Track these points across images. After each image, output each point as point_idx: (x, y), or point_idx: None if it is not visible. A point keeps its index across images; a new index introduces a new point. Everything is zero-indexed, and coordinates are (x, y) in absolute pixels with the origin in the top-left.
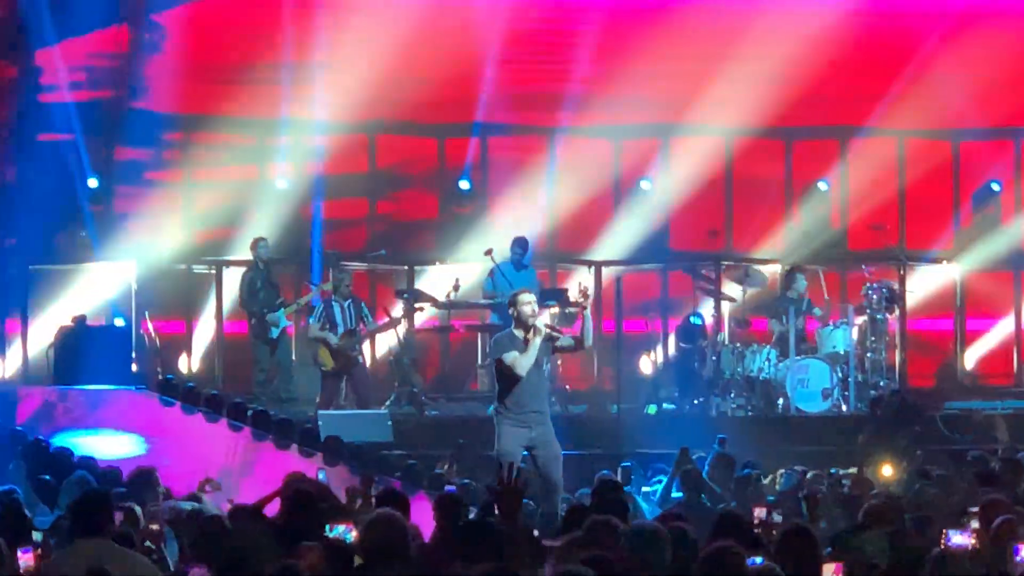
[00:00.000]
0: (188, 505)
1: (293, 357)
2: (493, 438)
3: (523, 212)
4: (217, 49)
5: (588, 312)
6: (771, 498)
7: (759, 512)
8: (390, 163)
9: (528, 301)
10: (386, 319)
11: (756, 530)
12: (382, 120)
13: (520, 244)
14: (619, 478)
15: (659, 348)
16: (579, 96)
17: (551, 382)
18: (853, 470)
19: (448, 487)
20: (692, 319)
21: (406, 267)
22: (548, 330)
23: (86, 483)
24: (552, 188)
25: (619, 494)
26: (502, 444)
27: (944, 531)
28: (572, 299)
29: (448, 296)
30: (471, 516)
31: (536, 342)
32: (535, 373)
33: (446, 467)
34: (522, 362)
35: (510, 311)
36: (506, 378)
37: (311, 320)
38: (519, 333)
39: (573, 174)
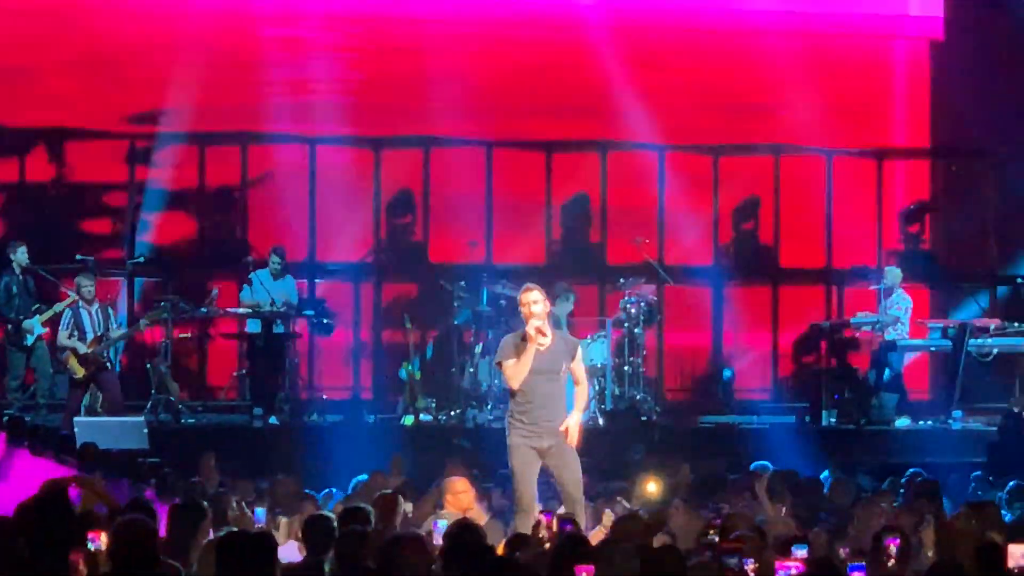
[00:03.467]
0: None
1: (50, 364)
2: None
3: (284, 222)
4: None
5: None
6: None
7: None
8: (152, 172)
9: (528, 301)
10: (135, 327)
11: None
12: (144, 129)
13: (277, 253)
14: None
15: (417, 359)
16: (340, 105)
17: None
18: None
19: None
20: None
21: (163, 276)
22: (540, 337)
23: None
24: (313, 198)
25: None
26: (513, 460)
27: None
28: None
29: (206, 304)
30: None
31: (529, 351)
32: (546, 380)
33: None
34: (514, 371)
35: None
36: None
37: (60, 328)
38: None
39: (335, 184)
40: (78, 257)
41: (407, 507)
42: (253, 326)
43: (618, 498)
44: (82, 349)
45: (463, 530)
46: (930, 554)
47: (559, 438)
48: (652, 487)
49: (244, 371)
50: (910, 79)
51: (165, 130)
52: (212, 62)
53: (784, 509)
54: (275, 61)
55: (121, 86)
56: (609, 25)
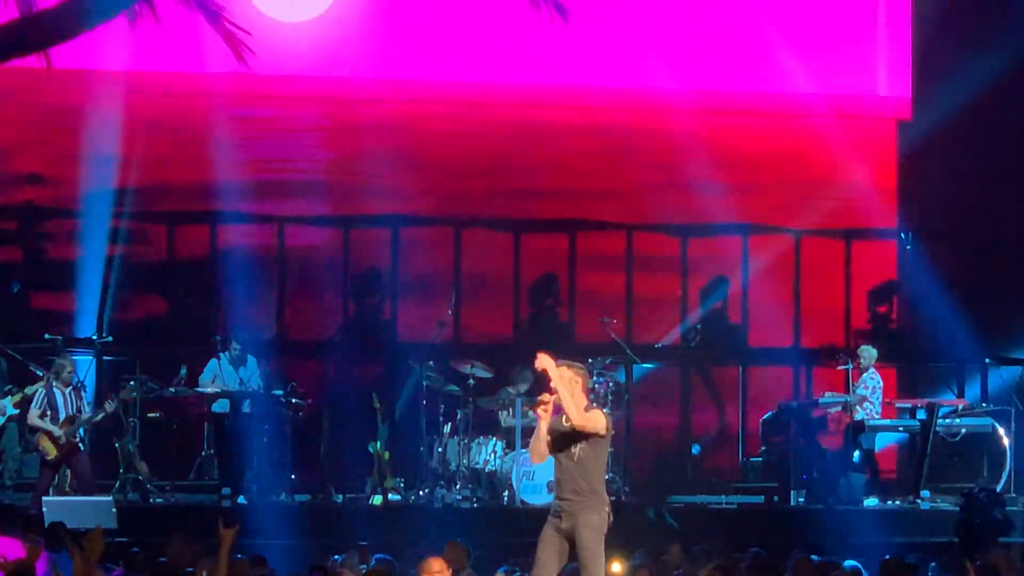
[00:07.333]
0: None
1: (19, 445)
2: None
3: (253, 301)
4: None
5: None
6: None
7: None
8: (120, 251)
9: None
10: (102, 409)
11: None
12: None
13: (238, 339)
14: None
15: (386, 438)
16: (309, 185)
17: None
18: None
19: None
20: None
21: (132, 354)
22: (541, 409)
23: None
24: (282, 277)
25: None
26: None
27: None
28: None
29: (175, 384)
30: None
31: (540, 425)
32: (560, 456)
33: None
34: (531, 445)
35: None
36: None
37: (32, 408)
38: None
39: (303, 263)
40: (47, 336)
41: None
42: (221, 406)
43: None
44: (56, 432)
45: None
46: None
47: (576, 521)
48: (616, 568)
49: (212, 450)
50: (878, 159)
51: (133, 208)
52: (180, 140)
53: None
54: (244, 140)
55: (90, 164)
56: (576, 106)
